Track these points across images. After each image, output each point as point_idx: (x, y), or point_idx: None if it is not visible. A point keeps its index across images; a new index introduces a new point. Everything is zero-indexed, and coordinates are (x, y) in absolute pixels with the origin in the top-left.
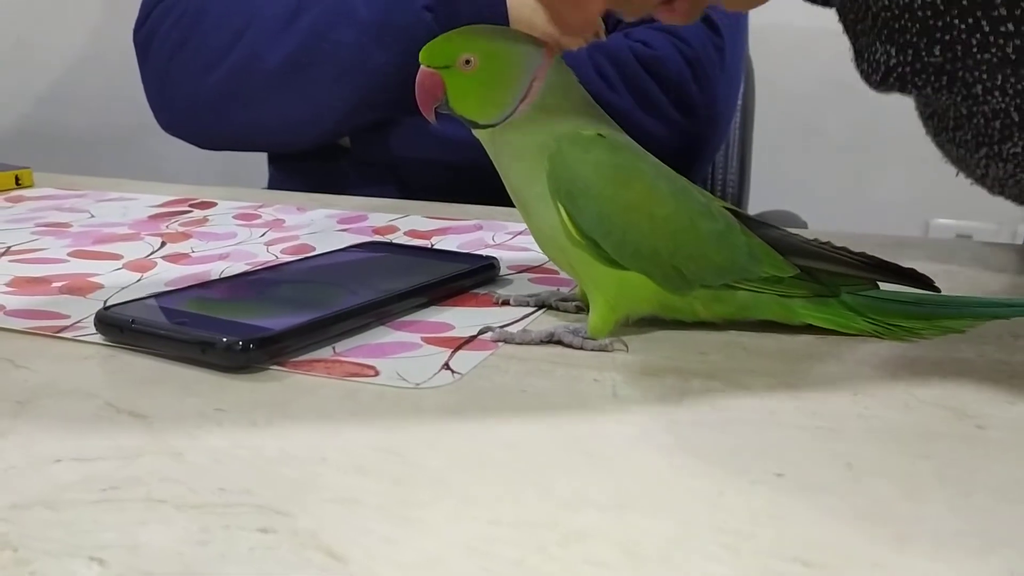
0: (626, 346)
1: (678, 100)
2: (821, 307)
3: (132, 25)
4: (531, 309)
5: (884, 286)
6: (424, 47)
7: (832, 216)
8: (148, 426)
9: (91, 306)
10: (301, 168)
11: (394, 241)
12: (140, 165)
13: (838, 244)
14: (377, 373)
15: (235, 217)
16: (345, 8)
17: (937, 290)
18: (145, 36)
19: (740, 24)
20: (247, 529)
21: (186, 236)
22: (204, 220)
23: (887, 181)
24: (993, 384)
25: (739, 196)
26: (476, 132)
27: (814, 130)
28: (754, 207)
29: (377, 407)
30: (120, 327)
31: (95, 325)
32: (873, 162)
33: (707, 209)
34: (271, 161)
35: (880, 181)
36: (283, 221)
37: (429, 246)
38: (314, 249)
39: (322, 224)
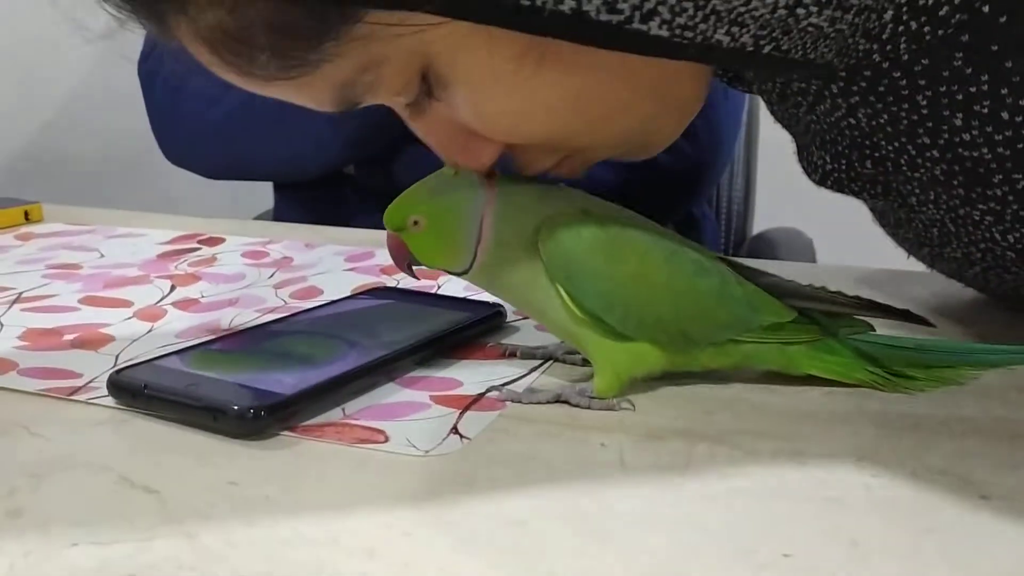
0: (632, 405)
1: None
2: (822, 356)
3: (138, 51)
4: (538, 362)
5: (885, 330)
6: (387, 210)
7: (837, 232)
8: (162, 504)
9: (103, 362)
10: (306, 196)
11: (400, 285)
12: (149, 190)
13: (843, 279)
14: (387, 439)
15: (243, 255)
16: None
17: (933, 326)
18: (150, 68)
19: None
20: None
21: (195, 278)
22: (212, 259)
23: None
24: (996, 446)
25: (744, 213)
26: (459, 277)
27: None
28: (759, 224)
29: (387, 479)
30: (132, 392)
31: (108, 389)
32: None
33: (701, 266)
34: (276, 189)
35: None
36: (291, 259)
37: (436, 289)
38: (322, 292)
39: (329, 263)
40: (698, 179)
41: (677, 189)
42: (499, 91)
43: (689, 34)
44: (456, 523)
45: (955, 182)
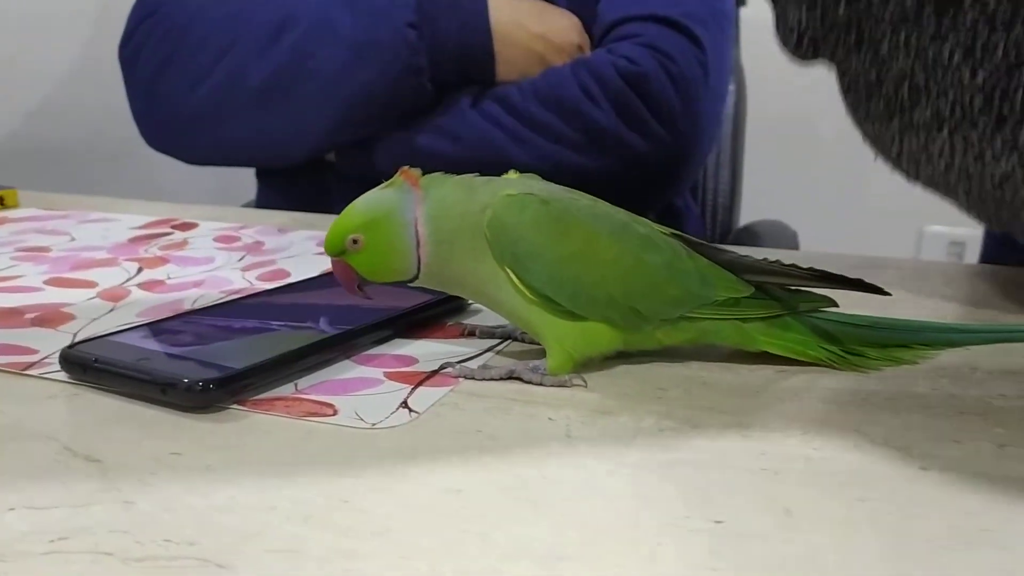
0: (585, 382)
1: (662, 116)
2: (778, 333)
3: (120, 39)
4: (496, 341)
5: (843, 304)
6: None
7: (824, 225)
8: (103, 472)
9: (60, 339)
10: (287, 183)
11: None
12: (133, 177)
13: (815, 264)
14: (336, 412)
15: (215, 239)
16: (328, 26)
17: (888, 294)
18: (131, 52)
19: (726, 39)
20: None
21: (164, 261)
22: (183, 243)
23: (879, 189)
24: (942, 420)
25: (730, 206)
26: (412, 284)
27: (805, 139)
28: (745, 217)
29: (332, 450)
30: (83, 366)
31: (60, 363)
32: (865, 170)
33: (651, 241)
34: (258, 176)
35: (872, 189)
36: (263, 244)
37: None
38: (289, 275)
39: (301, 247)
40: (677, 169)
41: (658, 178)
42: None
43: None
44: (394, 491)
45: (926, 11)
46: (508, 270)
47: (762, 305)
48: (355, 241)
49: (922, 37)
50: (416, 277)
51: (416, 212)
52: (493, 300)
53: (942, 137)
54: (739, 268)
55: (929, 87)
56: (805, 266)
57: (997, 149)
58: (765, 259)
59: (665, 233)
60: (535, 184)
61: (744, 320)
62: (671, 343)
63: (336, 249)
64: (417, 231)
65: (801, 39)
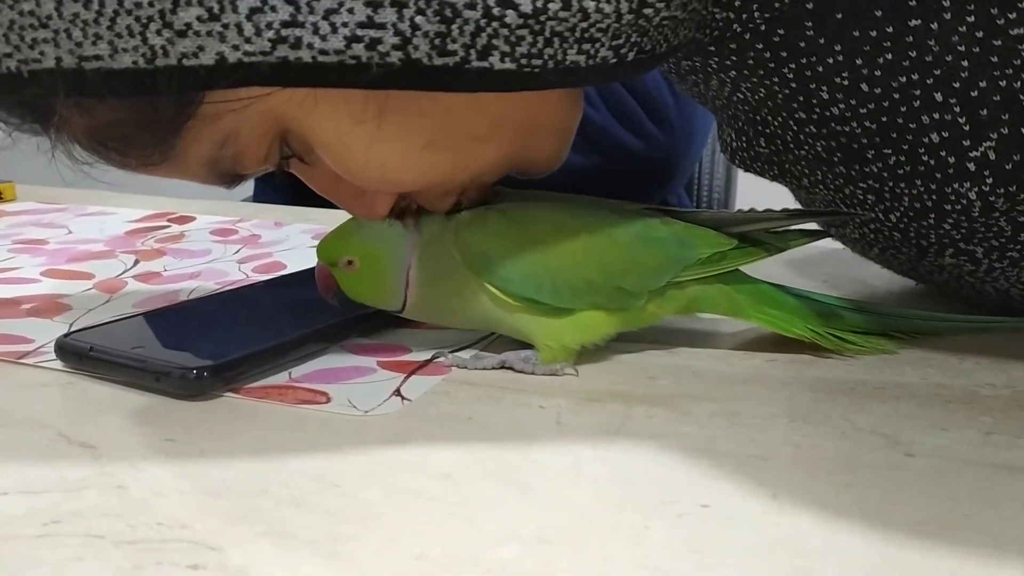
0: (576, 371)
1: (655, 114)
2: (765, 308)
3: None
4: (490, 331)
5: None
6: (319, 243)
7: None
8: (96, 458)
9: (56, 329)
10: (284, 179)
11: None
12: (132, 174)
13: (812, 261)
14: (329, 400)
15: (212, 232)
16: None
17: (854, 217)
18: None
19: None
20: (178, 566)
21: (160, 253)
22: (180, 236)
23: None
24: (929, 409)
25: (725, 202)
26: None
27: None
28: None
29: (324, 436)
30: (78, 354)
31: (55, 352)
32: None
33: (618, 218)
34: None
35: None
36: (259, 237)
37: None
38: (285, 267)
39: (296, 240)
40: (671, 167)
41: (651, 176)
42: (353, 148)
43: (538, 61)
44: (383, 476)
45: (835, 159)
46: (486, 284)
47: (748, 253)
48: (349, 262)
49: (836, 178)
50: (399, 311)
51: (411, 257)
52: (482, 320)
53: (874, 252)
54: (720, 224)
55: (853, 217)
56: (778, 208)
57: (925, 268)
58: (739, 209)
59: (636, 209)
60: (498, 198)
61: (731, 286)
62: (665, 314)
63: (328, 259)
64: (408, 275)
65: (733, 157)
